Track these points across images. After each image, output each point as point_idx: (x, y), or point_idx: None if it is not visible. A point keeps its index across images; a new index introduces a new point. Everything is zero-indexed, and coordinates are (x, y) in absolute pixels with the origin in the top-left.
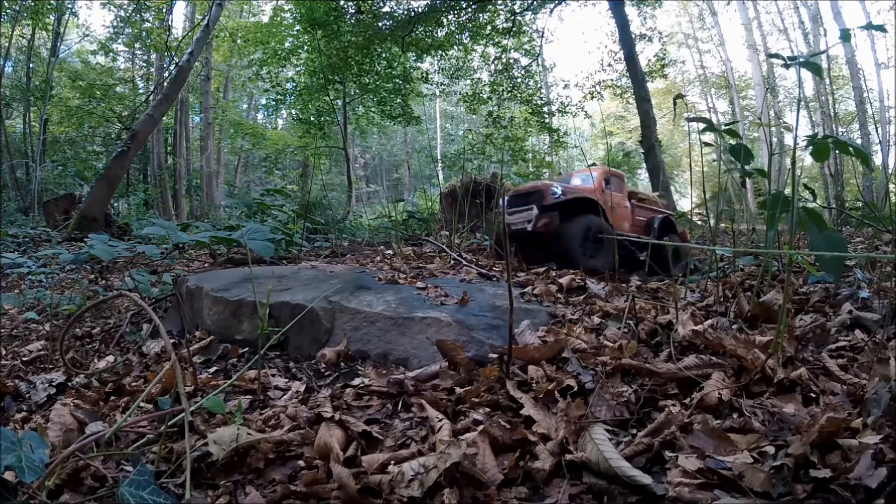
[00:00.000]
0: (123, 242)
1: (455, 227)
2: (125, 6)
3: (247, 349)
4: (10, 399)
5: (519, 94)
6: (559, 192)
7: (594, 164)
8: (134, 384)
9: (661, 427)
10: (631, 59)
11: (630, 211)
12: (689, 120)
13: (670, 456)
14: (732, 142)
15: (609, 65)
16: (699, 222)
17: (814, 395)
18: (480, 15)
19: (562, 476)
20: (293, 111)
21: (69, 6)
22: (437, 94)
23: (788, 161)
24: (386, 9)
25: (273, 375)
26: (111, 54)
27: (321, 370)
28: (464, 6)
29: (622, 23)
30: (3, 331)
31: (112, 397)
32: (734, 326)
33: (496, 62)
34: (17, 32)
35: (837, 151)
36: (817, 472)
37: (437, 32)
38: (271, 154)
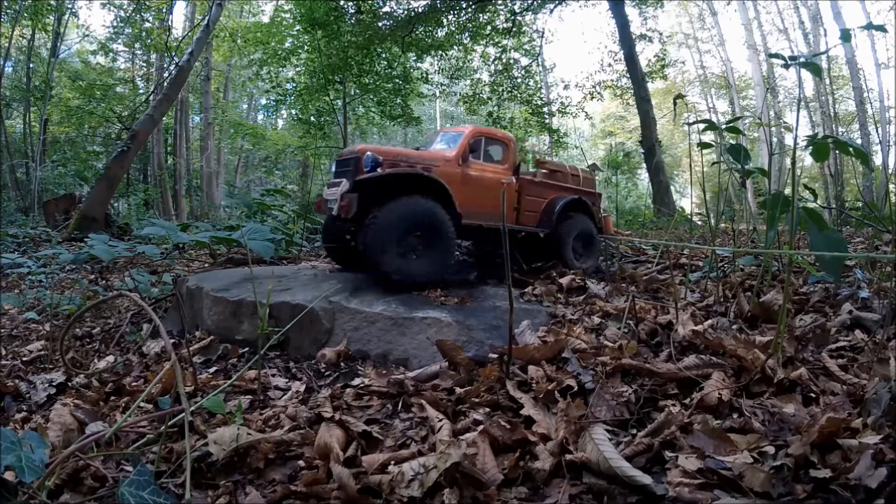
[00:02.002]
0: (123, 242)
1: None
2: (125, 6)
3: (247, 349)
4: (10, 399)
5: (519, 95)
6: (371, 164)
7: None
8: (134, 384)
9: (661, 427)
10: (631, 59)
11: (515, 190)
12: (690, 123)
13: (670, 456)
14: (732, 142)
15: (609, 65)
16: (699, 222)
17: (814, 395)
18: (480, 15)
19: (562, 476)
20: (293, 111)
21: (69, 6)
22: (437, 94)
23: (788, 161)
24: (386, 9)
25: (273, 375)
26: (111, 54)
27: (321, 370)
28: (464, 6)
29: (622, 23)
30: (3, 331)
31: (112, 397)
32: (734, 326)
33: (496, 62)
34: (17, 32)
35: (837, 151)
36: (817, 472)
37: (437, 32)
38: (271, 154)
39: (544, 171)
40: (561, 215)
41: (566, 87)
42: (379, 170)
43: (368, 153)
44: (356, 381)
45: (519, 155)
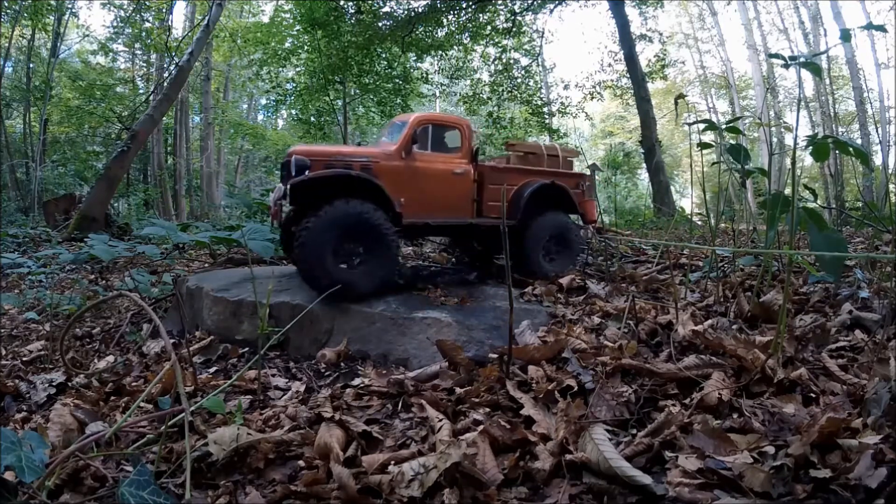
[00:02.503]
0: (123, 242)
1: None
2: (125, 6)
3: (247, 349)
4: (10, 399)
5: (519, 95)
6: (297, 167)
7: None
8: (134, 384)
9: (661, 427)
10: (631, 59)
11: (472, 180)
12: (690, 123)
13: (670, 456)
14: (732, 142)
15: (609, 65)
16: (699, 222)
17: (814, 395)
18: (480, 15)
19: (562, 476)
20: (293, 111)
21: (69, 6)
22: (437, 94)
23: (788, 161)
24: (386, 9)
25: (273, 375)
26: (111, 54)
27: (321, 370)
28: (464, 6)
29: (622, 23)
30: (3, 331)
31: (112, 397)
32: (734, 326)
33: (496, 62)
34: (17, 32)
35: (837, 151)
36: (817, 472)
37: (437, 32)
38: (271, 154)
39: (518, 154)
40: (530, 205)
41: (566, 87)
42: (307, 172)
43: (295, 156)
44: (356, 381)
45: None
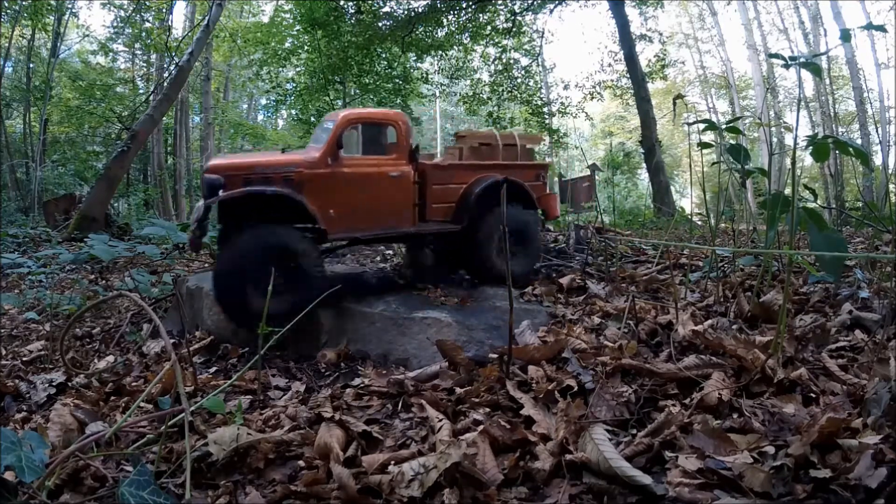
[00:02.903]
0: (123, 242)
1: None
2: (125, 6)
3: (247, 349)
4: (10, 399)
5: (519, 95)
6: (209, 189)
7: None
8: (134, 384)
9: (661, 427)
10: (631, 59)
11: (412, 181)
12: (690, 123)
13: (670, 456)
14: (732, 142)
15: (609, 65)
16: (699, 222)
17: (814, 395)
18: (480, 15)
19: (562, 476)
20: (293, 111)
21: (69, 6)
22: (437, 94)
23: (788, 161)
24: (386, 9)
25: (273, 375)
26: (111, 54)
27: (321, 370)
28: (464, 6)
29: (622, 23)
30: (3, 331)
31: (112, 397)
32: (734, 326)
33: (496, 62)
34: (17, 32)
35: (837, 151)
36: (817, 472)
37: (437, 33)
38: None
39: (471, 145)
40: (479, 206)
41: (566, 88)
42: (221, 192)
43: (206, 176)
44: (356, 381)
45: (415, 136)
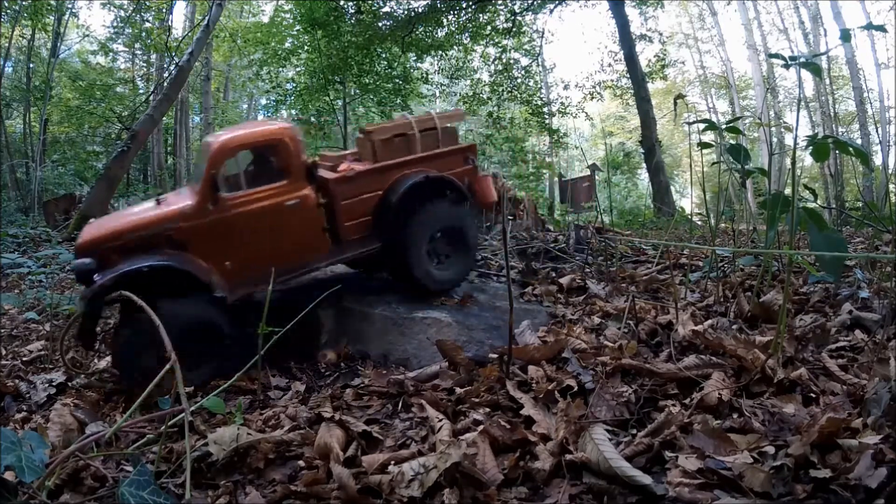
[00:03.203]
0: None
1: None
2: (125, 6)
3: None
4: (10, 399)
5: (519, 95)
6: (80, 275)
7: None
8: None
9: (661, 427)
10: (631, 59)
11: (316, 204)
12: (690, 123)
13: (670, 456)
14: (732, 142)
15: (609, 65)
16: (699, 222)
17: (814, 395)
18: (480, 15)
19: (562, 476)
20: (293, 111)
21: (69, 6)
22: (437, 94)
23: (788, 161)
24: (386, 9)
25: (273, 375)
26: (111, 54)
27: (321, 370)
28: (464, 6)
29: (622, 23)
30: (3, 331)
31: (112, 397)
32: (734, 326)
33: (496, 62)
34: (17, 32)
35: (837, 151)
36: (817, 472)
37: (437, 33)
38: None
39: (381, 139)
40: (402, 212)
41: (566, 88)
42: (96, 277)
43: (75, 263)
44: (356, 381)
45: (306, 152)
